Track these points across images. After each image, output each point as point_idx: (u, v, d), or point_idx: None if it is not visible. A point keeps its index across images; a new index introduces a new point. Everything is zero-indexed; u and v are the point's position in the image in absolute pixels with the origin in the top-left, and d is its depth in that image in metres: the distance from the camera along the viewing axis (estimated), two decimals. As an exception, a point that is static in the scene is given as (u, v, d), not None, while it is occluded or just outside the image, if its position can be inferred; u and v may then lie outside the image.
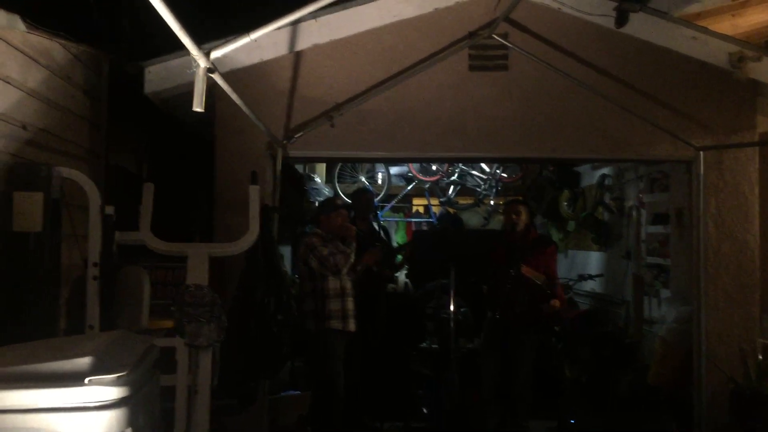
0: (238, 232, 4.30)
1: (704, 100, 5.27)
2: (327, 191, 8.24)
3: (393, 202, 9.57)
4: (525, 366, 5.37)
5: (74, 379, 2.22)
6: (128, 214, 4.10)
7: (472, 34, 5.21)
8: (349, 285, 5.10)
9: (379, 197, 9.04)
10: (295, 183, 6.56)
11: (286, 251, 6.59)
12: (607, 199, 7.76)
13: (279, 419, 5.50)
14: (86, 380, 2.21)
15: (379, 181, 9.41)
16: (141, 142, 5.87)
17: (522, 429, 5.36)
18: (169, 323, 3.92)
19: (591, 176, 8.18)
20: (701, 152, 5.22)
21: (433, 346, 6.64)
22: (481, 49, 5.26)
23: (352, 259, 5.05)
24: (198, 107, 2.62)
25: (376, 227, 6.43)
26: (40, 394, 2.21)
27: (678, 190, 5.84)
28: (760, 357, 5.11)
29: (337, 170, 8.99)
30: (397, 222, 9.87)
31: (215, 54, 2.72)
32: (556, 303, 5.24)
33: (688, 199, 5.46)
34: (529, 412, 5.43)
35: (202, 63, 2.63)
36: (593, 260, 8.19)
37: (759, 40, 6.45)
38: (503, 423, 5.46)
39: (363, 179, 9.23)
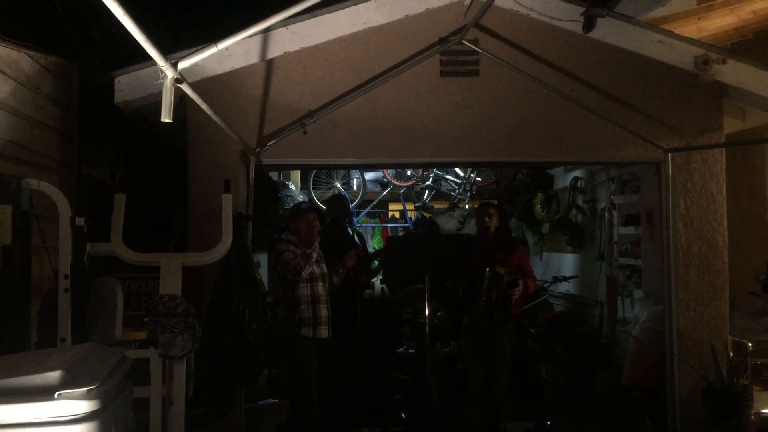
0: (212, 240, 4.29)
1: (671, 103, 5.35)
2: (301, 198, 8.23)
3: (368, 208, 9.59)
4: (504, 368, 5.40)
5: (44, 393, 2.20)
6: (103, 225, 4.07)
7: (442, 40, 5.25)
8: (322, 292, 5.11)
9: (354, 203, 9.05)
10: (269, 190, 6.54)
11: (262, 259, 6.57)
12: (579, 201, 7.84)
13: (257, 428, 5.48)
14: (56, 394, 2.20)
15: (355, 187, 9.42)
16: (115, 152, 5.83)
17: (502, 431, 5.38)
18: (143, 334, 3.89)
19: (564, 179, 8.26)
20: (669, 154, 5.31)
21: (410, 350, 6.65)
22: (452, 55, 5.30)
23: (314, 258, 5.06)
24: (166, 118, 2.62)
25: (352, 233, 6.44)
26: (9, 409, 2.18)
27: (648, 191, 5.92)
28: (731, 354, 5.20)
29: (311, 177, 8.99)
30: (373, 227, 9.89)
31: (183, 64, 2.72)
32: (520, 285, 5.30)
33: (658, 200, 5.54)
34: (509, 414, 5.47)
35: (170, 73, 2.63)
36: (567, 262, 8.26)
37: (724, 42, 6.58)
38: (482, 425, 5.48)
39: (338, 185, 9.23)
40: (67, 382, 2.24)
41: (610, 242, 7.10)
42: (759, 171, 6.69)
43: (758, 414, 5.05)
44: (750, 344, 5.45)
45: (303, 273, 4.95)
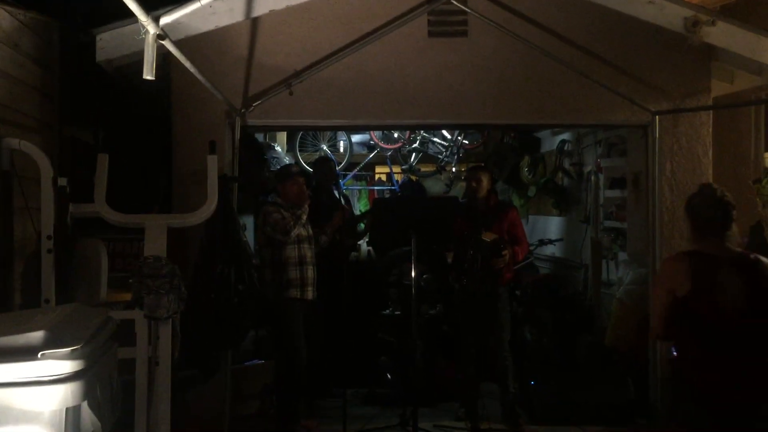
0: (198, 202, 4.26)
1: (660, 65, 5.33)
2: (287, 160, 8.17)
3: (355, 171, 9.55)
4: (502, 334, 5.42)
5: (27, 353, 2.19)
6: (87, 186, 4.03)
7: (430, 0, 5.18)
8: (309, 254, 5.11)
9: (341, 166, 9.00)
10: (254, 152, 6.49)
11: (248, 221, 6.54)
12: (566, 164, 7.84)
13: (243, 389, 5.51)
14: (39, 354, 2.19)
15: (341, 150, 9.36)
16: (99, 112, 5.74)
17: (511, 396, 5.41)
18: (128, 295, 3.88)
19: (551, 142, 8.24)
20: (657, 117, 5.30)
21: (396, 312, 6.69)
22: (441, 15, 5.24)
23: (303, 220, 5.05)
24: (148, 75, 2.57)
25: (338, 195, 6.42)
26: (-8, 369, 2.17)
27: (635, 154, 5.92)
28: (713, 316, 5.25)
29: (298, 139, 8.92)
30: (359, 190, 9.85)
31: (165, 20, 2.66)
32: (506, 254, 5.29)
33: (644, 163, 5.55)
34: (514, 376, 5.50)
35: (152, 29, 2.57)
36: (553, 225, 8.29)
37: (714, 4, 6.52)
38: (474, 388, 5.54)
39: (324, 148, 9.17)
40: (51, 342, 2.23)
41: (596, 205, 7.12)
42: (745, 134, 6.68)
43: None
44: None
45: (292, 233, 4.95)
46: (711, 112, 5.40)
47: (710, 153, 5.37)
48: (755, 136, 6.62)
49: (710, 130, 5.38)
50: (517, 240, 5.48)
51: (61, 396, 2.20)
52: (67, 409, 2.23)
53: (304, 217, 5.06)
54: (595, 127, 6.75)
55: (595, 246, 7.00)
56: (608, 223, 6.82)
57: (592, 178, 7.21)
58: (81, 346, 2.28)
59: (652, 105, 5.30)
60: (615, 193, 6.68)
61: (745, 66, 5.29)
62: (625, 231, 6.47)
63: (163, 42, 2.75)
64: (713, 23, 5.06)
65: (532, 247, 7.83)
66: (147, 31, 2.58)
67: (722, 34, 5.11)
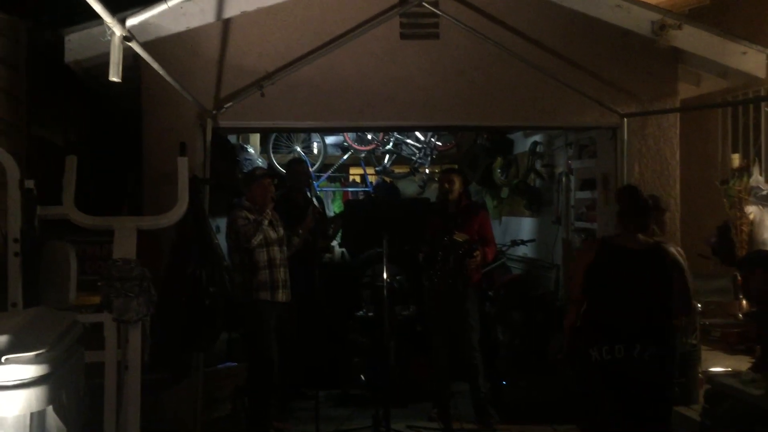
0: (169, 204, 4.23)
1: (628, 68, 5.40)
2: (260, 162, 8.14)
3: (329, 172, 9.54)
4: (470, 333, 5.46)
5: (-10, 357, 2.16)
6: (55, 188, 3.98)
7: (402, 2, 5.20)
8: (279, 256, 5.10)
9: (315, 167, 8.99)
10: (227, 154, 6.46)
11: (221, 223, 6.51)
12: (538, 165, 7.90)
13: (215, 391, 5.48)
14: (3, 359, 2.16)
15: (315, 151, 9.35)
16: (68, 114, 5.67)
17: (482, 395, 5.45)
18: (98, 299, 3.84)
19: (523, 143, 8.30)
20: (625, 119, 5.37)
21: (369, 314, 6.70)
22: (413, 18, 5.26)
23: (265, 225, 5.03)
24: (114, 77, 2.55)
25: (311, 197, 6.41)
26: (-45, 374, 2.14)
27: (604, 156, 5.99)
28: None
29: (271, 140, 8.89)
30: (333, 191, 9.85)
31: (131, 21, 2.65)
32: (477, 255, 5.34)
33: (613, 164, 5.61)
34: (484, 375, 5.54)
35: (118, 31, 2.55)
36: (525, 226, 8.35)
37: (682, 8, 6.64)
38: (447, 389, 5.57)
39: (298, 149, 9.15)
40: (15, 347, 2.20)
41: (567, 206, 7.18)
42: (712, 136, 6.81)
43: (705, 372, 5.21)
44: (699, 305, 5.60)
45: (253, 240, 4.93)
46: (678, 114, 5.49)
47: (678, 155, 5.46)
48: (722, 138, 6.75)
49: (678, 132, 5.47)
50: (486, 241, 5.54)
51: (26, 401, 2.17)
52: (31, 414, 2.20)
53: (266, 222, 5.04)
54: (566, 129, 6.80)
55: (567, 246, 7.07)
56: (579, 224, 6.88)
57: (563, 179, 7.28)
58: (46, 350, 2.25)
59: (620, 107, 5.37)
60: (585, 195, 6.74)
61: (712, 69, 5.38)
62: (595, 231, 6.53)
63: (130, 44, 2.73)
64: (680, 27, 5.14)
65: (504, 248, 7.88)
66: (113, 33, 2.57)
67: (689, 38, 5.20)
